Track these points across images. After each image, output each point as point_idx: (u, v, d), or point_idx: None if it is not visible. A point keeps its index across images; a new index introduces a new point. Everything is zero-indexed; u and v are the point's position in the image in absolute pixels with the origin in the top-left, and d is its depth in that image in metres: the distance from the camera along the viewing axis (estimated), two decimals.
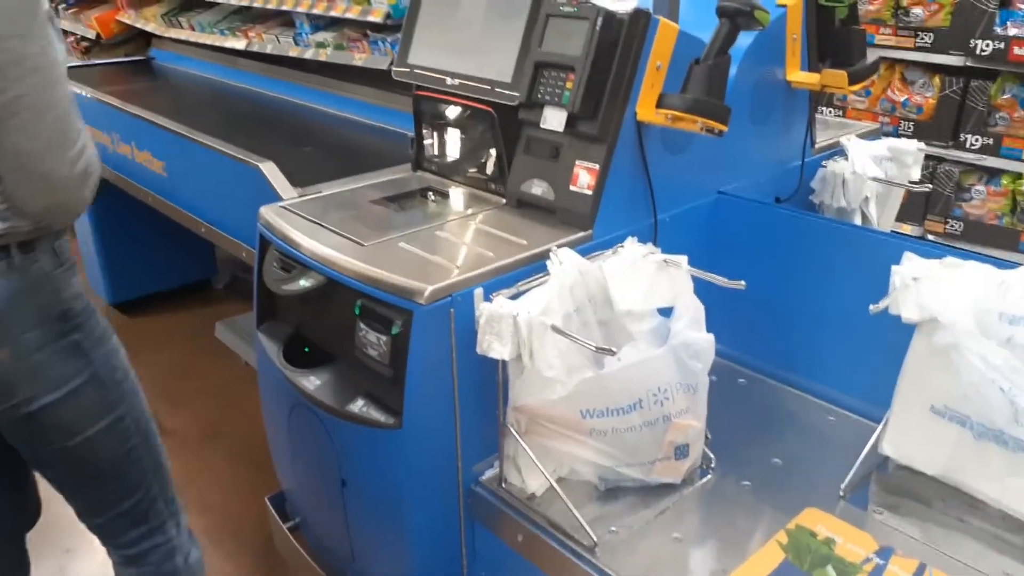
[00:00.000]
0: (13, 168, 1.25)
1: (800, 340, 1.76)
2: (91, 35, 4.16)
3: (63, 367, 1.39)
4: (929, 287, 1.32)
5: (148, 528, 1.60)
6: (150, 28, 3.86)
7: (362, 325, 1.48)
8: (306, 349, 1.71)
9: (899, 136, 3.33)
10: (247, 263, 2.05)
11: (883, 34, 3.42)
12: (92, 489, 1.53)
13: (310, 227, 1.66)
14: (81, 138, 1.30)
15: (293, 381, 1.64)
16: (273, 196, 1.91)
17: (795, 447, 1.59)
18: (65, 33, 4.38)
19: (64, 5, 4.43)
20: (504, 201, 1.77)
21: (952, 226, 3.44)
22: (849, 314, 1.61)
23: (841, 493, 1.44)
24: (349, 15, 2.54)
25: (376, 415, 1.50)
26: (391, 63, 2.34)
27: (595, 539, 1.33)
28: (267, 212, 1.75)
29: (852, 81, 1.89)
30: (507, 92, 1.66)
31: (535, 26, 1.62)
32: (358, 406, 1.53)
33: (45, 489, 1.59)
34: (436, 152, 1.94)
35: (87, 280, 3.81)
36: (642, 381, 1.37)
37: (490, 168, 1.81)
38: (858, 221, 2.04)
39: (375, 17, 2.44)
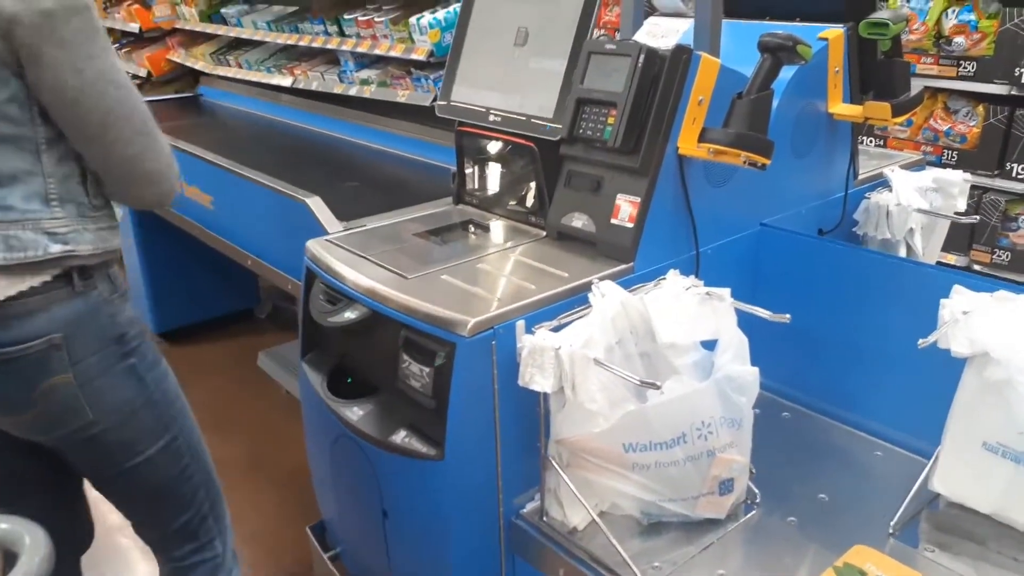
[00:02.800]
0: (121, 174, 1.35)
1: (846, 374, 1.74)
2: (142, 73, 4.32)
3: (122, 391, 1.43)
4: (980, 321, 1.30)
5: (199, 544, 1.63)
6: (199, 66, 3.99)
7: (405, 356, 1.50)
8: (349, 380, 1.73)
9: (943, 166, 3.29)
10: (291, 294, 2.09)
11: (924, 63, 3.39)
12: (148, 507, 1.57)
13: (355, 260, 1.69)
14: (159, 130, 1.40)
15: (336, 412, 1.66)
16: (319, 230, 1.95)
17: (842, 483, 1.56)
18: None
19: (117, 45, 4.61)
20: (544, 234, 1.78)
21: (999, 256, 3.37)
22: (896, 348, 1.58)
23: (891, 530, 1.41)
24: (393, 53, 2.60)
25: (418, 446, 1.51)
26: (434, 99, 2.40)
27: (638, 574, 1.31)
28: (313, 246, 1.78)
29: (896, 113, 1.87)
30: (550, 127, 1.68)
31: (577, 63, 1.65)
32: (400, 437, 1.54)
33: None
34: (477, 186, 1.97)
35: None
36: (685, 415, 1.36)
37: (530, 201, 1.83)
38: (903, 253, 2.02)
39: (418, 55, 2.50)
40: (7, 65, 1.22)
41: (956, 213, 2.07)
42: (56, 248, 1.30)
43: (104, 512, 1.69)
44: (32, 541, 0.74)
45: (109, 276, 1.42)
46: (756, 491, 1.50)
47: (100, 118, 1.28)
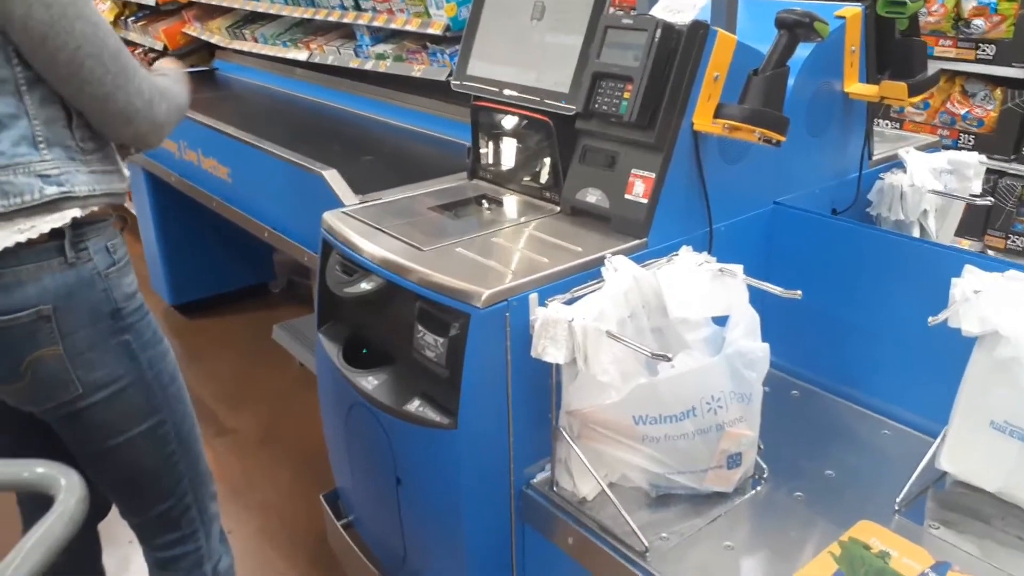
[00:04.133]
0: (93, 111, 1.33)
1: (855, 352, 1.75)
2: (158, 47, 4.33)
3: (111, 367, 1.39)
4: (991, 300, 1.30)
5: (180, 534, 1.60)
6: (215, 40, 3.99)
7: (420, 327, 1.52)
8: (364, 350, 1.75)
9: (959, 149, 3.27)
10: (307, 267, 2.11)
11: (943, 46, 3.36)
12: (128, 490, 1.54)
13: (371, 232, 1.71)
14: (139, 69, 1.37)
15: (352, 381, 1.68)
16: (335, 203, 1.96)
17: (849, 460, 1.58)
18: (133, 45, 4.56)
19: (133, 18, 4.62)
20: (558, 209, 1.79)
21: (1014, 241, 3.35)
22: (906, 327, 1.59)
23: (896, 507, 1.42)
24: (409, 27, 2.60)
25: (432, 415, 1.54)
26: (449, 74, 2.40)
27: (646, 544, 1.34)
28: (330, 218, 1.80)
29: (912, 93, 1.87)
30: (565, 102, 1.69)
31: (594, 38, 1.65)
32: (414, 406, 1.57)
33: None
34: (492, 161, 1.98)
35: (149, 281, 3.95)
36: (696, 389, 1.38)
37: (544, 177, 1.84)
38: (916, 234, 2.02)
39: (434, 29, 2.49)
40: None
41: (971, 195, 2.06)
42: (52, 190, 1.26)
43: None
44: (68, 483, 0.77)
45: (107, 248, 1.38)
46: (764, 466, 1.52)
47: (69, 56, 1.25)
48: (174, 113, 1.48)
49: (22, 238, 1.23)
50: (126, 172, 1.48)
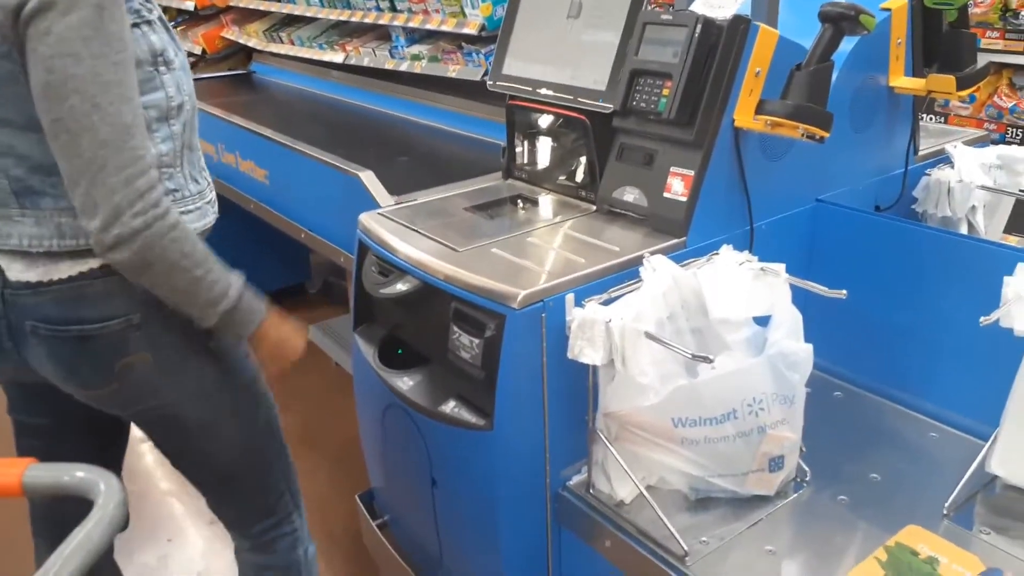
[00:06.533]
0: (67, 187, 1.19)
1: (901, 353, 1.70)
2: (197, 51, 4.39)
3: (201, 371, 1.43)
4: None
5: (277, 519, 1.63)
6: (252, 43, 4.04)
7: (455, 328, 1.51)
8: (400, 351, 1.75)
9: (1007, 144, 3.18)
10: (343, 268, 2.12)
11: (990, 38, 3.28)
12: (227, 484, 1.57)
13: (407, 233, 1.70)
14: (137, 164, 1.17)
15: (388, 382, 1.68)
16: (371, 204, 1.97)
17: (895, 463, 1.54)
18: None
19: (173, 23, 4.69)
20: (595, 208, 1.78)
21: None
22: (955, 327, 1.55)
23: (945, 512, 1.38)
24: (444, 28, 2.60)
25: (467, 416, 1.53)
26: (484, 74, 2.39)
27: (686, 548, 1.31)
28: (366, 219, 1.80)
29: (961, 86, 1.81)
30: (602, 100, 1.67)
31: (631, 34, 1.63)
32: (450, 407, 1.56)
33: (144, 484, 1.65)
34: (527, 160, 1.97)
35: None
36: (737, 391, 1.35)
37: (580, 176, 1.82)
38: (964, 231, 1.96)
39: (470, 29, 2.49)
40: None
41: (1021, 191, 2.00)
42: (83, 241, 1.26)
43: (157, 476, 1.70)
44: (107, 488, 0.77)
45: None
46: (806, 469, 1.48)
47: (47, 124, 1.15)
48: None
49: (84, 268, 1.28)
50: (214, 207, 1.51)
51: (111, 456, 1.61)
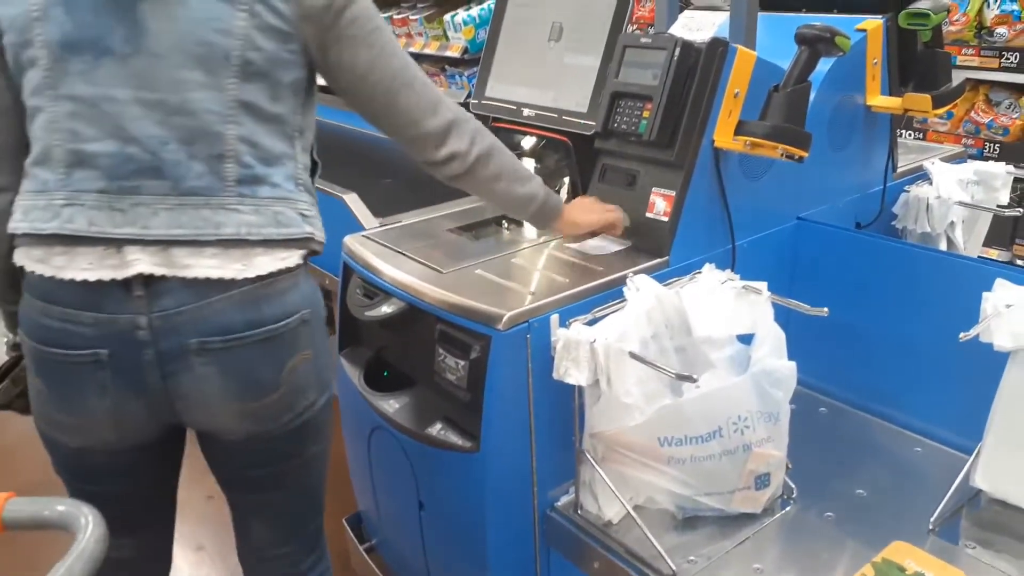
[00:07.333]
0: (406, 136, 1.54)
1: (884, 369, 1.72)
2: None
3: (329, 372, 1.43)
4: (1023, 314, 1.28)
5: (319, 555, 1.57)
6: None
7: (441, 350, 1.51)
8: (386, 373, 1.75)
9: (984, 159, 3.22)
10: (328, 290, 2.11)
11: (966, 55, 3.33)
12: (297, 507, 1.50)
13: (391, 255, 1.71)
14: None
15: (373, 404, 1.68)
16: (356, 226, 1.97)
17: (880, 478, 1.55)
18: None
19: None
20: None
21: None
22: (936, 342, 1.56)
23: (930, 527, 1.39)
24: (427, 51, 2.62)
25: (454, 438, 1.53)
26: (468, 96, 2.41)
27: (674, 568, 1.31)
28: (351, 241, 1.81)
29: (937, 104, 1.85)
30: (584, 122, 1.69)
31: (612, 58, 1.65)
32: (436, 429, 1.56)
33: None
34: None
35: None
36: (722, 409, 1.36)
37: (564, 196, 1.83)
38: (943, 247, 1.99)
39: (453, 52, 2.51)
40: (306, 51, 1.28)
41: (999, 206, 2.03)
42: (307, 228, 1.33)
43: None
44: (87, 522, 0.77)
45: None
46: (793, 486, 1.49)
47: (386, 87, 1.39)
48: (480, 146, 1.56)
49: (282, 265, 1.29)
50: None
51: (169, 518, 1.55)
